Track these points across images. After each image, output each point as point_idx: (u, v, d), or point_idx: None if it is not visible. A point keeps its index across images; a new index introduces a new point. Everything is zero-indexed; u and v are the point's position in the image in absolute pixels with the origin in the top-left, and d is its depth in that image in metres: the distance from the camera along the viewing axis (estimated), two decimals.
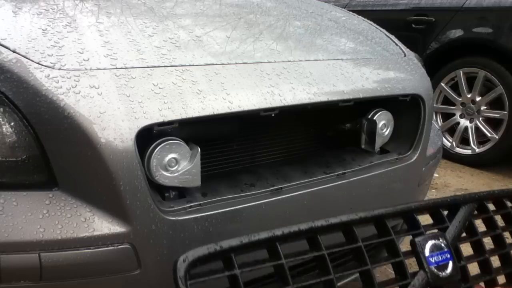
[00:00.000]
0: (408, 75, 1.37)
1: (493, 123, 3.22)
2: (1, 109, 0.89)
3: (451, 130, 3.43)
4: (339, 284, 0.75)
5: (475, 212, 0.95)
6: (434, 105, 3.40)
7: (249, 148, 1.25)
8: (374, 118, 1.31)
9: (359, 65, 1.29)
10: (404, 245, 0.99)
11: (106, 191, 0.88)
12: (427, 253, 0.82)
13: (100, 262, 0.88)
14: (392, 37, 1.64)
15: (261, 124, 1.24)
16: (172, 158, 0.96)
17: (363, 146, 1.38)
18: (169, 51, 1.06)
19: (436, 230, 0.89)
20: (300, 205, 1.11)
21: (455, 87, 3.38)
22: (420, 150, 1.38)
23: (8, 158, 0.90)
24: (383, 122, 1.33)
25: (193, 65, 1.03)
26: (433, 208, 0.91)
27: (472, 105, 3.29)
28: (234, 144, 1.21)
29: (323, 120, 1.41)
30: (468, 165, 3.32)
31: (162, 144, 0.95)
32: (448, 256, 0.84)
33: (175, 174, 0.97)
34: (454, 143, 3.38)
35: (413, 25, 3.54)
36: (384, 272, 1.96)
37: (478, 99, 3.25)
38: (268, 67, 1.12)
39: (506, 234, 0.97)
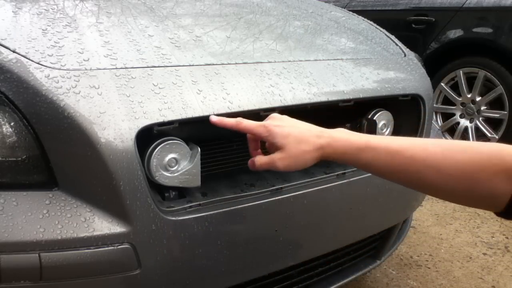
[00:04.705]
0: (408, 75, 1.37)
1: (493, 123, 3.22)
2: (1, 109, 0.89)
3: (451, 130, 3.43)
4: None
5: None
6: (434, 105, 3.40)
7: None
8: (374, 118, 1.31)
9: (359, 65, 1.29)
10: None
11: (106, 191, 0.88)
12: None
13: (100, 262, 0.88)
14: (392, 37, 1.64)
15: None
16: (172, 158, 0.96)
17: None
18: (169, 51, 1.06)
19: None
20: (300, 205, 1.11)
21: (455, 87, 3.38)
22: None
23: (8, 158, 0.90)
24: (383, 122, 1.33)
25: (193, 65, 1.03)
26: None
27: (472, 105, 3.29)
28: (234, 144, 1.21)
29: (323, 120, 1.40)
30: None
31: (162, 144, 0.95)
32: None
33: (175, 174, 0.97)
34: None
35: (413, 25, 3.54)
36: (384, 272, 1.96)
37: (478, 99, 3.25)
38: (268, 67, 1.12)
39: None
